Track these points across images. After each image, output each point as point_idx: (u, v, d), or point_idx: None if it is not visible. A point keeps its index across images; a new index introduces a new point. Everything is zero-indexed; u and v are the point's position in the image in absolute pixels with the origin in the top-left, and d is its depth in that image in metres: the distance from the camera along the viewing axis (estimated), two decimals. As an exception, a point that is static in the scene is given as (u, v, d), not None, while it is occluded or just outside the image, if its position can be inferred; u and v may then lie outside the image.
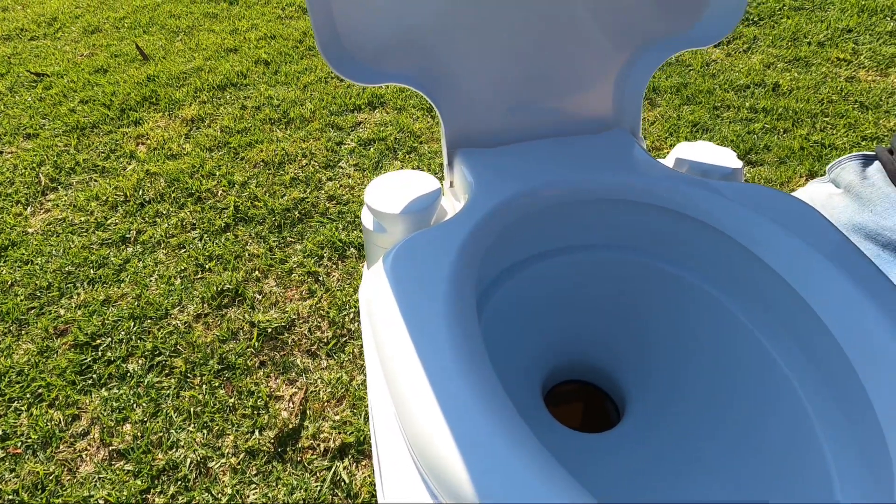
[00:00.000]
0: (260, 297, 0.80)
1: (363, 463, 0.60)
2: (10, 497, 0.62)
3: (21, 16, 1.78)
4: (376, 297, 0.34)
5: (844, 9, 1.33)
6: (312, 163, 1.04)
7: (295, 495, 0.58)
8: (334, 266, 0.84)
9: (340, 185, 0.98)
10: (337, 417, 0.65)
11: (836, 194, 0.55)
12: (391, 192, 0.43)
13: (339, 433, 0.63)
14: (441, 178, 0.48)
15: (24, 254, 0.92)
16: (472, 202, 0.39)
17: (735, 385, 0.39)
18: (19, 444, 0.66)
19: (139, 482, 0.61)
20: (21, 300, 0.84)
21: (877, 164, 0.52)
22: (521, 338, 0.44)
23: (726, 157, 0.46)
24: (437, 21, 0.40)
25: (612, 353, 0.46)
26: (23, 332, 0.80)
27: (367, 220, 0.44)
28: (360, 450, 0.62)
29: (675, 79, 1.15)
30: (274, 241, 0.88)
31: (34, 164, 1.11)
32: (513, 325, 0.43)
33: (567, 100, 0.45)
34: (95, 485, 0.62)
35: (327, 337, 0.74)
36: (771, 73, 1.15)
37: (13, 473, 0.64)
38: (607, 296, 0.45)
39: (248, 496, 0.59)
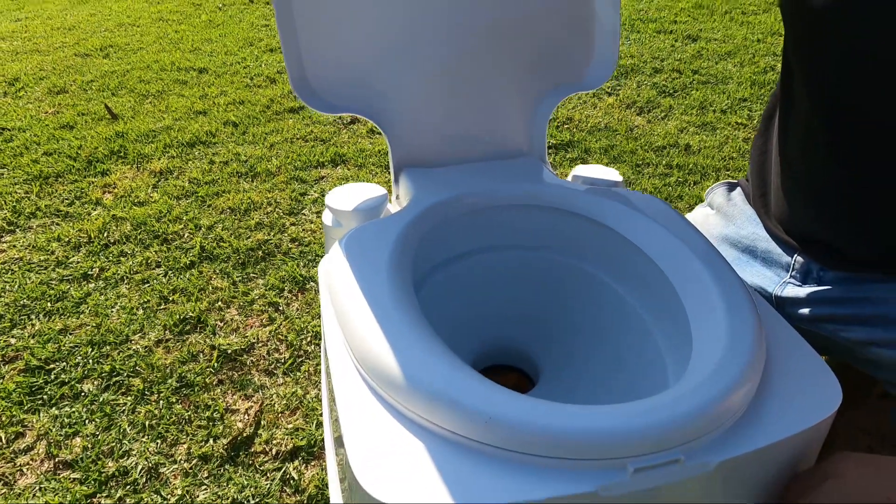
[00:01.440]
0: (222, 324, 0.91)
1: (312, 463, 0.70)
2: (-53, 512, 0.66)
3: (-16, 76, 1.95)
4: (333, 266, 0.49)
5: (741, 83, 1.72)
6: (277, 210, 1.20)
7: (244, 493, 0.67)
8: (294, 297, 0.97)
9: (303, 230, 1.14)
10: (290, 426, 0.75)
11: (711, 214, 0.75)
12: (347, 196, 0.60)
13: (292, 438, 0.73)
14: (390, 192, 0.65)
15: (-26, 289, 1.00)
16: (412, 203, 0.56)
17: (614, 337, 0.55)
18: (-40, 462, 0.71)
19: (85, 488, 0.68)
20: (-31, 331, 0.91)
21: (738, 189, 0.73)
22: (448, 325, 0.58)
23: (611, 174, 0.66)
24: (382, 70, 0.59)
25: (526, 334, 0.61)
26: (-32, 362, 0.86)
27: (327, 218, 0.60)
28: (310, 452, 0.71)
29: (604, 141, 1.43)
30: (238, 277, 1.01)
31: (-9, 209, 1.22)
32: (441, 312, 0.58)
33: (489, 133, 0.65)
34: (35, 494, 0.67)
35: (285, 357, 0.85)
36: (683, 136, 1.45)
37: (-49, 491, 0.68)
38: (520, 287, 0.61)
39: (198, 496, 0.67)
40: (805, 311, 0.59)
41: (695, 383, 0.36)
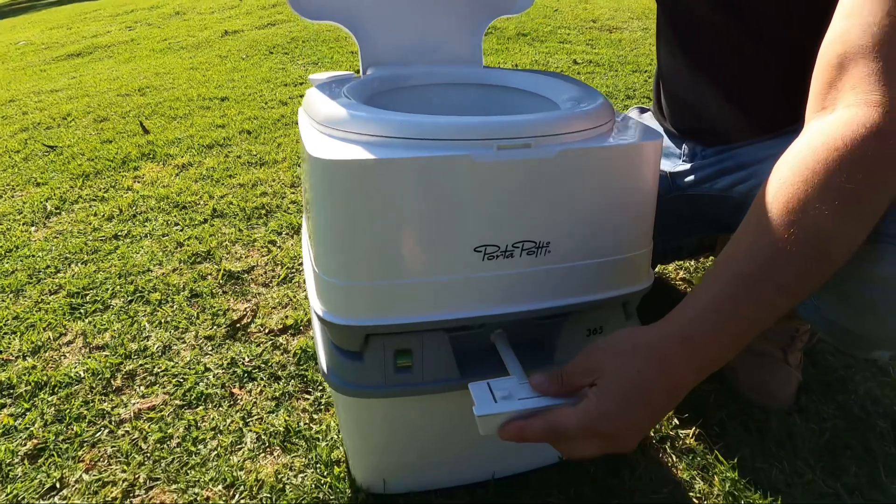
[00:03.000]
0: (228, 256, 1.09)
1: (298, 336, 0.85)
2: (5, 381, 0.83)
3: (38, 116, 2.31)
4: (307, 94, 0.67)
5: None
6: (280, 183, 1.41)
7: (241, 355, 0.82)
8: (290, 237, 1.15)
9: (301, 196, 1.34)
10: (281, 315, 0.90)
11: None
12: (326, 75, 0.79)
13: (282, 321, 0.88)
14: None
15: (27, 252, 1.22)
16: (373, 73, 0.75)
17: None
18: (11, 356, 0.89)
19: (114, 359, 0.84)
20: (21, 277, 1.11)
21: (648, 112, 0.91)
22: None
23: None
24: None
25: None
26: (20, 297, 1.06)
27: (309, 91, 0.79)
28: (297, 329, 0.86)
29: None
30: (243, 226, 1.20)
31: (42, 200, 1.47)
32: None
33: (438, 40, 0.84)
34: (76, 366, 0.84)
35: (279, 274, 1.02)
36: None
37: (4, 370, 0.86)
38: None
39: (203, 360, 0.82)
40: (690, 178, 0.77)
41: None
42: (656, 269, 1.06)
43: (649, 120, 0.90)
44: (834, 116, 0.44)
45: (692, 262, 1.11)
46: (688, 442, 0.72)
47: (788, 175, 0.43)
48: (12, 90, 2.98)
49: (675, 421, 0.75)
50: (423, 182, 0.48)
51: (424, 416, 0.59)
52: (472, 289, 0.52)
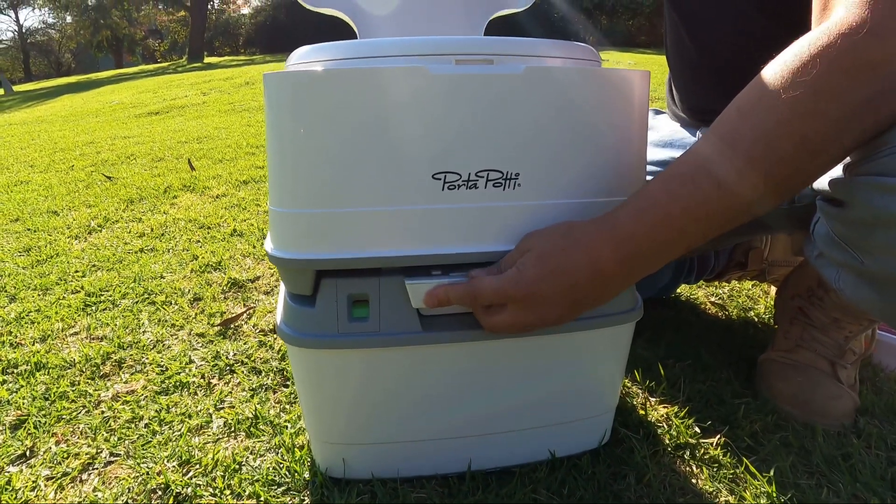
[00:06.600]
0: (237, 267, 1.13)
1: (284, 337, 0.85)
2: (11, 361, 0.87)
3: (108, 154, 2.54)
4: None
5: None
6: (300, 213, 1.47)
7: (228, 349, 0.82)
8: (298, 256, 1.18)
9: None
10: (275, 318, 0.91)
11: None
12: None
13: (275, 323, 0.89)
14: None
15: (63, 259, 1.30)
16: None
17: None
18: (23, 341, 0.93)
19: (108, 347, 0.87)
20: (52, 279, 1.18)
21: (663, 114, 0.93)
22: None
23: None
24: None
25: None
26: (46, 294, 1.12)
27: None
28: (283, 330, 0.86)
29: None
30: (258, 244, 1.24)
31: (88, 219, 1.58)
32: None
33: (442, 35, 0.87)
34: (72, 352, 0.87)
35: (280, 285, 1.04)
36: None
37: (14, 352, 0.89)
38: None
39: (190, 354, 0.83)
40: None
41: None
42: (682, 294, 1.01)
43: (662, 118, 0.90)
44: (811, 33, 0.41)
45: (726, 286, 1.03)
46: (711, 452, 0.62)
47: (751, 82, 0.41)
48: (94, 136, 3.31)
49: (696, 429, 0.65)
50: (374, 95, 0.43)
51: (382, 375, 0.53)
52: (431, 222, 0.46)
